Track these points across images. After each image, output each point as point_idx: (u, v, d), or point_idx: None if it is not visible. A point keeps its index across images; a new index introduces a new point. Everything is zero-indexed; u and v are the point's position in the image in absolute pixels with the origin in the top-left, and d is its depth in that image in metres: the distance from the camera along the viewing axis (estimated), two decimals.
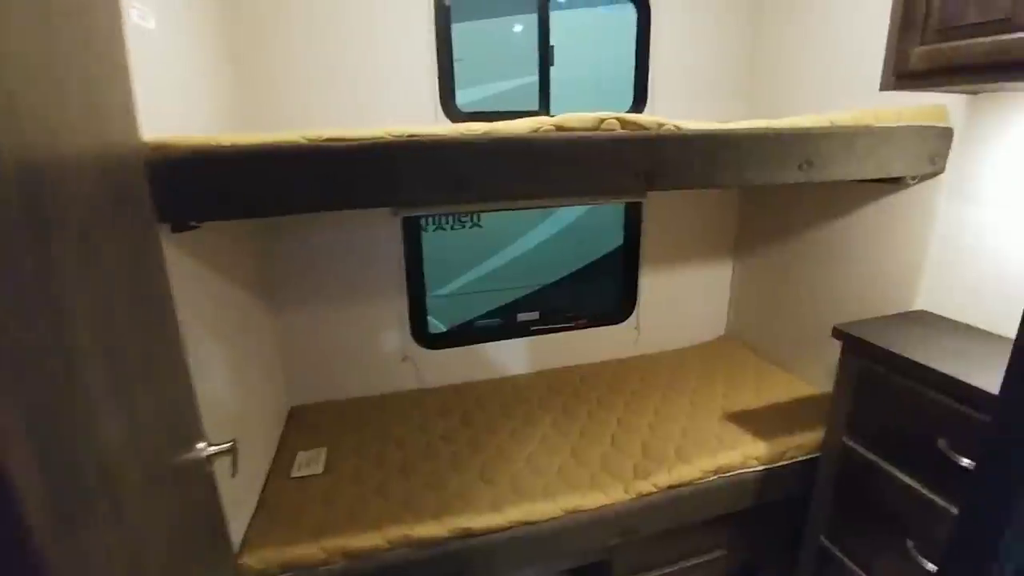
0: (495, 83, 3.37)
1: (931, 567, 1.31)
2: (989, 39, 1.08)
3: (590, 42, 3.34)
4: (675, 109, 2.23)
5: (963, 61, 1.12)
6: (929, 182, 1.60)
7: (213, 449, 0.94)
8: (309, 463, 1.77)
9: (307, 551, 1.38)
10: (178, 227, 1.12)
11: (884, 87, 1.35)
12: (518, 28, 3.09)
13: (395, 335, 2.21)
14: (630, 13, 2.18)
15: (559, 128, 1.17)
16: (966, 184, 1.54)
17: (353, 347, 2.18)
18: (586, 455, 1.76)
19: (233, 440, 0.98)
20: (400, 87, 1.94)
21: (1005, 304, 1.47)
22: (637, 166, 1.22)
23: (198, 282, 1.30)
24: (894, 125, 1.46)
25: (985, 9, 1.09)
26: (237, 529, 1.42)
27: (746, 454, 1.71)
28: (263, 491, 1.62)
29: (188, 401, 0.94)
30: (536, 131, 1.15)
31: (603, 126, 1.20)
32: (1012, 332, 1.39)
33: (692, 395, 2.13)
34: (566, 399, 2.13)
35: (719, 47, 2.26)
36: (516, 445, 1.83)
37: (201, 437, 0.94)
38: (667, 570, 1.76)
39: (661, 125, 1.24)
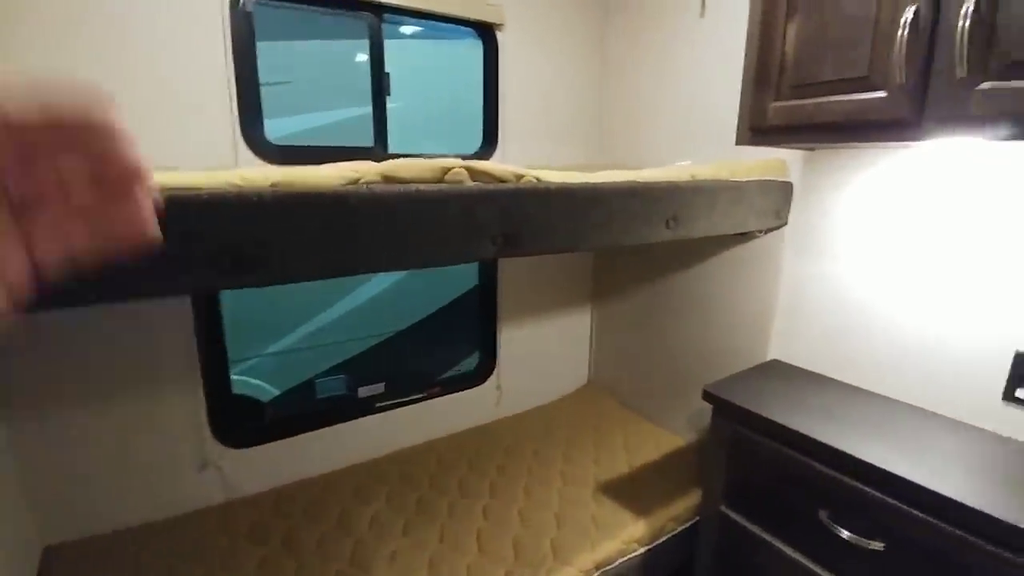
0: (324, 113, 2.94)
1: None
2: (847, 98, 1.04)
3: (437, 76, 3.11)
4: (527, 152, 2.07)
5: (824, 119, 1.08)
6: (775, 234, 1.62)
7: None
8: None
9: None
10: None
11: (740, 142, 1.29)
12: (357, 52, 2.73)
13: (189, 437, 1.64)
14: (478, 48, 1.99)
15: (388, 179, 0.85)
16: (807, 236, 1.57)
17: (129, 461, 1.56)
18: (449, 571, 1.42)
19: None
20: (183, 115, 1.45)
21: (850, 353, 1.50)
22: (493, 228, 0.96)
23: None
24: (746, 180, 1.42)
25: (841, 68, 1.05)
26: None
27: (626, 539, 1.52)
28: None
29: None
30: (355, 183, 0.82)
31: (448, 177, 0.92)
32: (859, 381, 1.41)
33: (562, 463, 1.92)
34: (422, 491, 1.77)
35: (571, 88, 2.17)
36: (358, 573, 1.41)
37: None
38: None
39: (520, 177, 1.00)
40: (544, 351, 2.39)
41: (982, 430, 1.26)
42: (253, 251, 0.73)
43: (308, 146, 1.99)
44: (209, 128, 1.51)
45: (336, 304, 3.62)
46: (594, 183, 1.11)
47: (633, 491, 1.74)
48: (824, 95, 1.07)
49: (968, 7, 0.87)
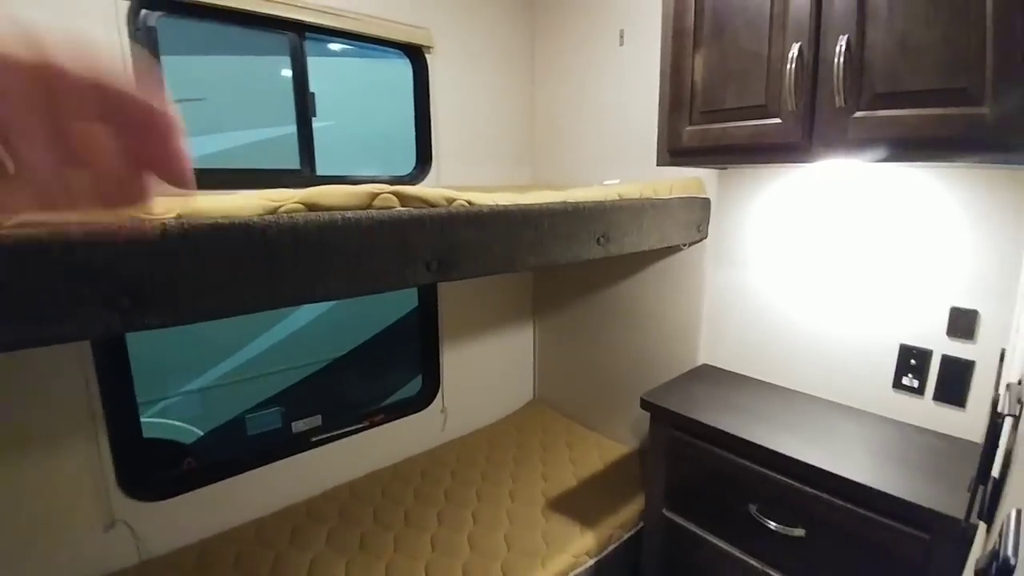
0: (246, 131, 2.80)
1: None
2: (749, 123, 1.13)
3: (368, 96, 3.03)
4: (462, 172, 2.07)
5: (730, 142, 1.16)
6: (698, 247, 1.71)
7: None
8: None
9: None
10: None
11: (660, 162, 1.36)
12: (278, 69, 2.64)
13: (92, 494, 1.47)
14: (407, 68, 1.97)
15: (311, 207, 0.82)
16: (724, 248, 1.67)
17: (22, 525, 1.37)
18: None
19: None
20: None
21: (765, 353, 1.61)
22: (425, 253, 0.95)
23: None
24: (668, 197, 1.49)
25: (742, 96, 1.13)
26: None
27: (576, 552, 1.53)
28: None
29: None
30: (274, 212, 0.78)
31: (377, 203, 0.90)
32: (774, 378, 1.51)
33: (511, 484, 1.90)
34: (365, 526, 1.69)
35: (502, 109, 2.20)
36: None
37: None
38: None
39: (451, 200, 0.99)
40: (489, 370, 2.38)
41: (877, 415, 1.39)
42: (156, 290, 0.68)
43: (227, 169, 1.87)
44: None
45: (267, 332, 3.41)
46: (526, 204, 1.12)
47: (581, 504, 1.75)
48: (729, 120, 1.15)
49: (841, 45, 0.97)
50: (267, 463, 1.77)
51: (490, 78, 2.14)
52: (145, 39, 1.44)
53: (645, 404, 1.52)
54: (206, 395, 3.14)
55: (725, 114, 1.15)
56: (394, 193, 0.91)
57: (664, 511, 1.52)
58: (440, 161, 2.03)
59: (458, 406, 2.26)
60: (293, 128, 1.78)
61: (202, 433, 2.89)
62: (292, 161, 1.80)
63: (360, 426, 1.99)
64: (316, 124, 1.81)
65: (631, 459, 2.01)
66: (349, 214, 0.85)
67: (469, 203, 1.01)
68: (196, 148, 2.69)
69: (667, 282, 1.85)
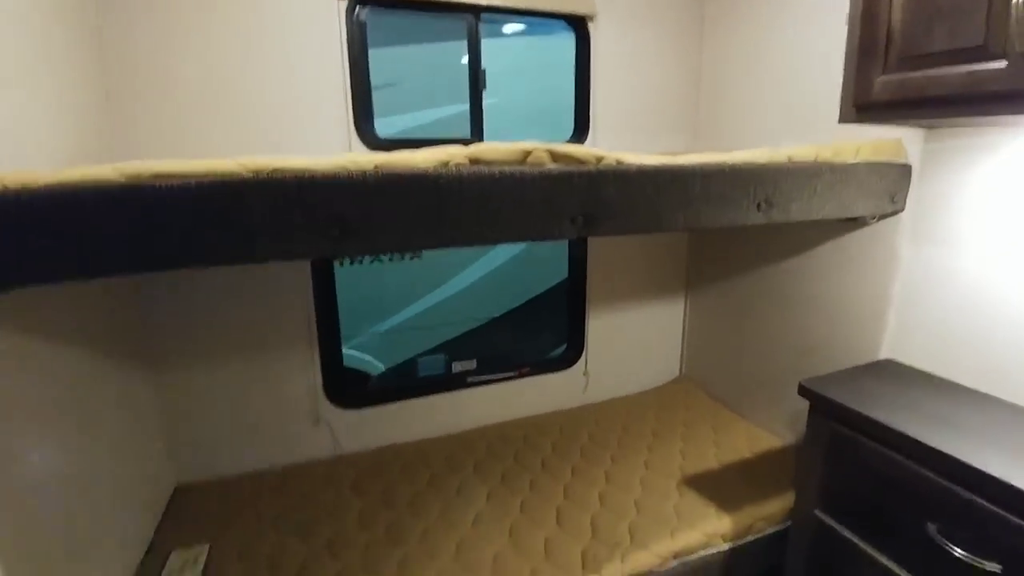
0: (428, 111, 3.15)
1: None
2: (963, 68, 0.94)
3: (531, 71, 3.19)
4: (619, 141, 2.07)
5: (936, 92, 0.98)
6: (890, 221, 1.48)
7: None
8: (183, 569, 1.41)
9: None
10: None
11: (844, 119, 1.21)
12: (456, 54, 2.93)
13: (305, 394, 1.88)
14: (570, 41, 2.03)
15: (474, 161, 0.94)
16: (928, 224, 1.42)
17: (254, 412, 1.83)
18: (527, 540, 1.49)
19: None
20: (307, 115, 1.67)
21: (974, 353, 1.34)
22: (572, 209, 1.01)
23: (15, 355, 0.97)
24: (853, 162, 1.32)
25: (954, 36, 0.95)
26: None
27: (709, 532, 1.49)
28: None
29: None
30: (445, 165, 0.92)
31: (530, 159, 0.98)
32: (984, 385, 1.26)
33: (647, 454, 1.90)
34: (507, 464, 1.86)
35: (664, 77, 2.13)
36: (445, 530, 1.54)
37: None
38: None
39: (600, 159, 1.03)
40: (634, 340, 2.38)
41: None
42: (357, 223, 0.86)
43: (412, 139, 2.16)
44: (328, 126, 1.71)
45: (435, 290, 3.87)
46: (677, 164, 1.10)
47: (720, 487, 1.69)
48: (936, 66, 0.97)
49: None
50: (431, 394, 2.05)
51: (654, 43, 2.08)
52: (358, 33, 1.72)
53: (803, 391, 1.39)
54: (387, 337, 3.68)
55: (930, 59, 0.97)
56: (547, 151, 0.99)
57: (816, 511, 1.39)
58: (597, 130, 2.05)
59: (601, 372, 2.31)
60: (463, 107, 1.98)
61: (383, 368, 3.42)
62: (464, 133, 2.00)
63: (509, 375, 2.17)
64: (485, 101, 1.97)
65: (784, 454, 1.86)
66: (505, 168, 0.95)
67: (618, 162, 1.04)
68: (389, 127, 3.14)
69: (847, 260, 1.63)
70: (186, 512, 1.64)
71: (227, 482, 1.78)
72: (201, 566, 1.42)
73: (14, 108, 1.00)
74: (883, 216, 1.47)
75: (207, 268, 0.83)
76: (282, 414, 1.87)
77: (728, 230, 2.15)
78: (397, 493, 1.71)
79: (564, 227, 1.01)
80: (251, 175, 0.80)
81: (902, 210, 1.44)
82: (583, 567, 1.39)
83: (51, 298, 1.13)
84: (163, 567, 1.42)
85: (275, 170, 0.81)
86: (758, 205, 1.22)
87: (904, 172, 1.40)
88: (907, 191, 1.42)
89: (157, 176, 0.77)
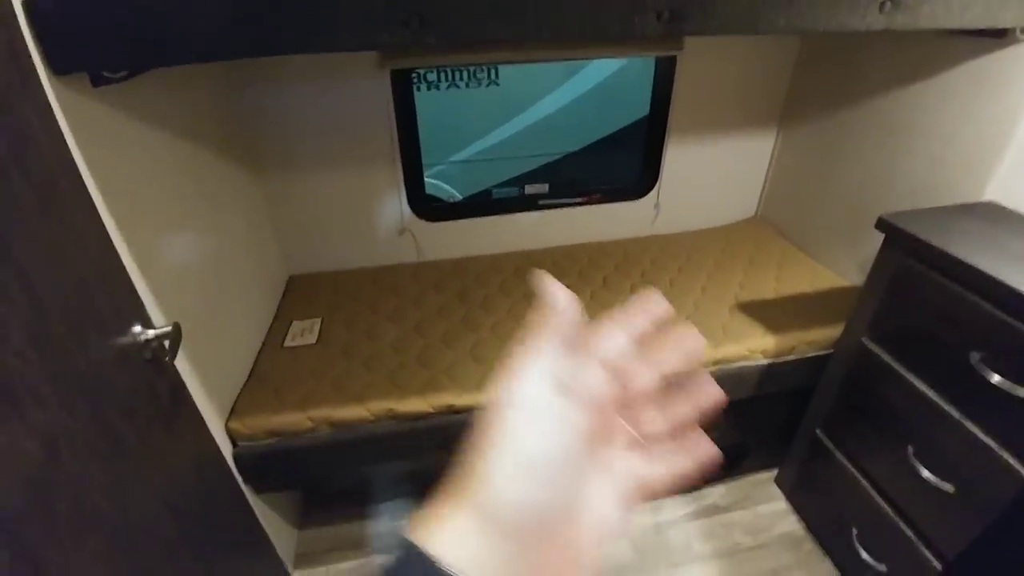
0: None
1: (927, 474, 1.26)
2: None
3: None
4: None
5: None
6: None
7: (152, 333, 0.87)
8: (303, 333, 1.76)
9: (293, 419, 1.41)
10: (97, 80, 0.94)
11: None
12: None
13: (392, 207, 2.06)
14: None
15: None
16: None
17: (349, 218, 2.06)
18: None
19: (175, 323, 0.91)
20: None
21: None
22: (659, 1, 0.94)
23: (142, 147, 1.14)
24: None
25: None
26: (229, 396, 1.44)
27: (751, 347, 1.61)
28: (256, 360, 1.63)
29: (114, 282, 0.85)
30: None
31: None
32: None
33: (706, 281, 1.98)
34: (570, 279, 2.02)
35: None
36: (511, 324, 1.77)
37: (138, 321, 0.87)
38: None
39: None
40: (713, 176, 2.31)
41: None
42: (433, 15, 0.87)
43: None
44: None
45: (511, 121, 3.79)
46: None
47: (772, 313, 1.76)
48: None
49: None
50: (504, 214, 2.18)
51: None
52: None
53: (881, 224, 1.35)
54: (465, 167, 3.76)
55: None
56: None
57: (863, 338, 1.45)
58: None
59: (673, 205, 2.31)
60: None
61: (460, 197, 3.58)
62: None
63: (579, 200, 2.22)
64: None
65: (847, 293, 1.86)
66: None
67: None
68: None
69: (973, 85, 1.42)
70: (299, 296, 1.98)
71: (329, 275, 2.08)
72: (317, 331, 1.76)
73: None
74: None
75: (289, 54, 0.89)
76: (373, 222, 2.08)
77: (837, 51, 1.89)
78: (471, 293, 1.95)
79: (648, 22, 0.96)
80: None
81: None
82: None
83: (169, 99, 1.28)
84: (287, 330, 1.78)
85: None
86: (881, 5, 1.06)
87: None
88: None
89: None
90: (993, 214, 1.37)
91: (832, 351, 1.60)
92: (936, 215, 1.36)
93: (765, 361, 1.63)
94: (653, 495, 0.31)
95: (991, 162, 1.41)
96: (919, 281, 1.27)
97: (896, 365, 1.35)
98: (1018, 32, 1.27)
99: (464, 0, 0.87)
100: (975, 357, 1.14)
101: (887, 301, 1.38)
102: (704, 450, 0.33)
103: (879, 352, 1.40)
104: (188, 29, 0.84)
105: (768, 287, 1.92)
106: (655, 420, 0.32)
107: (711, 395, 0.33)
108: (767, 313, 1.76)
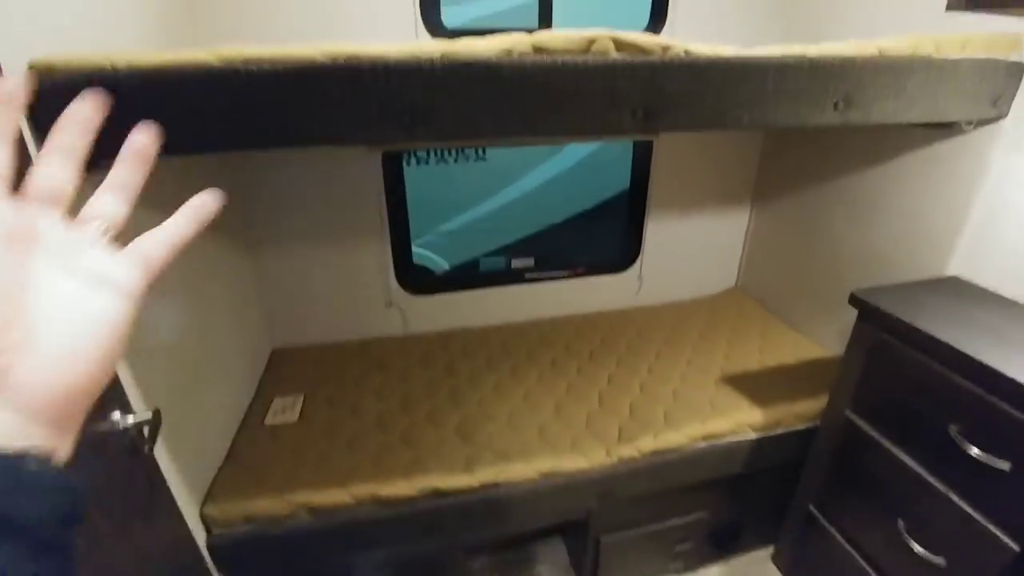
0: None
1: (919, 549, 1.24)
2: None
3: None
4: (699, 29, 1.94)
5: None
6: (987, 128, 1.36)
7: (131, 420, 0.85)
8: (284, 410, 1.72)
9: (271, 504, 1.34)
10: (96, 163, 0.97)
11: (952, 6, 1.09)
12: None
13: (379, 279, 2.08)
14: None
15: (538, 50, 0.96)
16: None
17: (336, 291, 2.07)
18: (570, 414, 1.68)
19: (155, 410, 0.89)
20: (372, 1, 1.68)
21: None
22: (633, 101, 1.02)
23: (132, 226, 1.16)
24: (956, 58, 1.20)
25: None
26: (204, 480, 1.38)
27: (739, 421, 1.61)
28: (235, 439, 1.58)
29: None
30: (509, 53, 0.95)
31: (594, 48, 0.99)
32: None
33: (691, 353, 2.00)
34: (556, 353, 2.03)
35: None
36: (498, 400, 1.75)
37: (117, 406, 0.85)
38: (646, 529, 1.72)
39: (666, 49, 1.02)
40: (693, 248, 2.39)
41: None
42: (425, 111, 0.93)
43: (477, 29, 2.12)
44: (394, 14, 1.71)
45: (498, 194, 3.94)
46: (750, 56, 1.07)
47: (757, 385, 1.77)
48: None
49: None
50: (491, 287, 2.21)
51: None
52: None
53: (854, 300, 1.40)
54: (452, 237, 3.85)
55: None
56: (611, 38, 0.99)
57: (847, 411, 1.46)
58: (676, 18, 1.92)
59: (655, 277, 2.37)
60: None
61: (447, 267, 3.64)
62: (532, 23, 1.93)
63: (564, 273, 2.27)
64: None
65: (829, 364, 1.89)
66: (568, 58, 0.97)
67: (686, 52, 1.02)
68: (459, 16, 3.05)
69: (930, 169, 1.53)
70: (282, 370, 1.95)
71: (314, 349, 2.06)
72: (299, 408, 1.72)
73: None
74: (981, 123, 1.36)
75: (291, 148, 0.93)
76: (360, 295, 2.10)
77: (801, 138, 2.03)
78: (458, 368, 1.93)
79: (624, 120, 1.04)
80: (329, 61, 0.88)
81: (1004, 116, 1.32)
82: (619, 439, 1.56)
83: (166, 180, 1.31)
84: (268, 407, 1.74)
85: (351, 56, 0.88)
86: (835, 104, 1.16)
87: (1013, 72, 1.26)
88: (1013, 95, 1.29)
89: (247, 60, 0.86)
90: (958, 289, 1.43)
91: (819, 424, 1.60)
92: (905, 291, 1.42)
93: (754, 435, 1.62)
94: (155, 260, 0.36)
95: (952, 238, 1.49)
96: (895, 356, 1.30)
97: (880, 438, 1.36)
98: (963, 124, 1.39)
99: (453, 100, 0.94)
100: (953, 429, 1.16)
101: (867, 374, 1.40)
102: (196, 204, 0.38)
103: (863, 425, 1.41)
104: (196, 123, 0.88)
105: (752, 358, 1.95)
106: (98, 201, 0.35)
107: (136, 140, 0.37)
108: (753, 385, 1.77)
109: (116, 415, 0.84)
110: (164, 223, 0.37)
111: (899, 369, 1.30)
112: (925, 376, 1.22)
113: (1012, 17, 1.20)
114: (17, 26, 0.81)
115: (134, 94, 0.83)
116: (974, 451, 1.11)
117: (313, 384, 1.84)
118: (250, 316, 1.91)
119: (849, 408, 1.45)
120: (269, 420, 1.67)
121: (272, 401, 1.76)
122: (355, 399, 1.76)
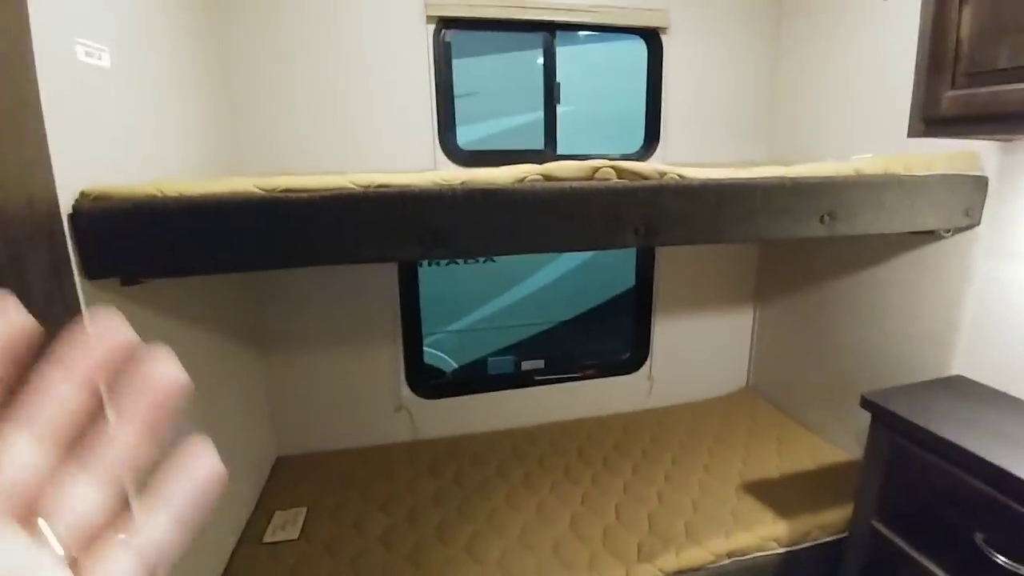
0: (504, 119, 3.35)
1: None
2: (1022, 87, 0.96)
3: (602, 78, 3.30)
4: (690, 149, 2.13)
5: (1001, 109, 1.00)
6: (966, 235, 1.45)
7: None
8: (285, 526, 1.65)
9: None
10: (128, 280, 1.04)
11: (912, 133, 1.23)
12: (533, 62, 3.10)
13: (390, 384, 2.09)
14: (641, 48, 2.12)
15: (547, 178, 1.07)
16: (1005, 238, 1.38)
17: (345, 396, 2.07)
18: (587, 528, 1.60)
19: None
20: (398, 127, 1.88)
21: None
22: (635, 220, 1.11)
23: (159, 337, 1.21)
24: (925, 174, 1.32)
25: (1016, 55, 0.97)
26: None
27: (764, 535, 1.52)
28: (231, 559, 1.49)
29: None
30: (521, 181, 1.06)
31: (597, 175, 1.10)
32: None
33: (708, 458, 1.94)
34: (570, 459, 1.97)
35: (737, 84, 2.17)
36: (510, 512, 1.67)
37: None
38: None
39: (663, 175, 1.13)
40: (701, 349, 2.41)
41: None
42: (444, 232, 1.02)
43: (489, 150, 2.33)
44: (415, 137, 1.91)
45: (507, 293, 4.06)
46: (738, 178, 1.18)
47: (779, 494, 1.70)
48: (1002, 83, 0.98)
49: None
50: (501, 390, 2.20)
51: (727, 51, 2.12)
52: (444, 52, 1.92)
53: (866, 403, 1.40)
54: (462, 336, 3.90)
55: (996, 76, 0.99)
56: (612, 167, 1.10)
57: (873, 521, 1.40)
58: (668, 138, 2.12)
59: (666, 378, 2.36)
60: (539, 114, 2.12)
61: (456, 366, 3.64)
62: (538, 142, 2.14)
63: (575, 375, 2.28)
64: (560, 109, 2.11)
65: (849, 468, 1.83)
66: (576, 184, 1.08)
67: (680, 176, 1.14)
68: (472, 133, 3.38)
69: (920, 274, 1.61)
70: (286, 480, 1.89)
71: (320, 456, 2.02)
72: (300, 523, 1.65)
73: (156, 118, 1.24)
74: (958, 230, 1.45)
75: (323, 265, 1.01)
76: (369, 400, 2.09)
77: (796, 242, 2.15)
78: (468, 477, 1.87)
79: (627, 236, 1.12)
80: (361, 189, 0.98)
81: (978, 224, 1.41)
82: (638, 557, 1.47)
83: (188, 291, 1.39)
84: (268, 523, 1.66)
85: (380, 185, 0.99)
86: (821, 218, 1.26)
87: (979, 185, 1.38)
88: (983, 204, 1.39)
89: (287, 190, 0.97)
90: (964, 388, 1.43)
91: (846, 535, 1.52)
92: (914, 392, 1.42)
93: (781, 550, 1.53)
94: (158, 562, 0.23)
95: (952, 338, 1.52)
96: (914, 460, 1.28)
97: (909, 549, 1.29)
98: (941, 232, 1.49)
99: (471, 223, 1.03)
100: (979, 537, 1.11)
101: (888, 480, 1.36)
102: (198, 470, 0.25)
103: (891, 536, 1.34)
104: (222, 247, 0.97)
105: (771, 464, 1.89)
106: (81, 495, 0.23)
107: (162, 384, 0.24)
108: (774, 494, 1.70)
109: None
110: (156, 513, 0.24)
111: (919, 474, 1.27)
112: (944, 480, 1.19)
113: (971, 140, 1.34)
114: (71, 155, 0.91)
115: (182, 220, 0.92)
116: (1000, 559, 1.05)
117: (317, 495, 1.78)
118: (258, 420, 1.89)
119: (875, 517, 1.39)
120: (268, 537, 1.59)
121: (273, 515, 1.69)
122: (360, 512, 1.69)
